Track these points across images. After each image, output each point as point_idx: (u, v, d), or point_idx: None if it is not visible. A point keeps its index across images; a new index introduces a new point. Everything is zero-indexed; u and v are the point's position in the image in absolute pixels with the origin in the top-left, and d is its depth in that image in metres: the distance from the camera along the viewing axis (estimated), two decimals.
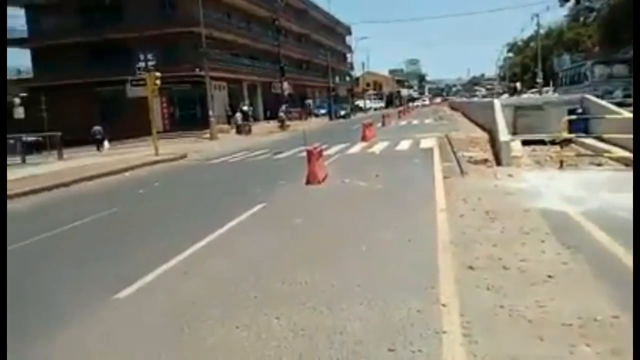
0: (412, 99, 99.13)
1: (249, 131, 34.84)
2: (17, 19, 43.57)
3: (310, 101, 60.62)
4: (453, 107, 50.16)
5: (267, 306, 4.38)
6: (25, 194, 12.01)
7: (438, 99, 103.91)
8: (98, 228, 8.48)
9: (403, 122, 35.07)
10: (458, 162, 11.57)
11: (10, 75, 39.82)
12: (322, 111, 57.40)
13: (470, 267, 4.86)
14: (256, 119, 44.23)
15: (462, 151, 12.65)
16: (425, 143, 17.54)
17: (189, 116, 39.10)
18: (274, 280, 5.04)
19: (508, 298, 4.10)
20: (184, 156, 20.26)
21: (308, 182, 10.80)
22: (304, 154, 17.84)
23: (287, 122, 38.09)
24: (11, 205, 11.08)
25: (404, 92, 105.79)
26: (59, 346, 4.05)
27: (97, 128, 26.50)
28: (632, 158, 9.64)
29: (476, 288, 4.37)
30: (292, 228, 7.23)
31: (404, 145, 17.82)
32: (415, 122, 34.45)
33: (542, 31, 59.06)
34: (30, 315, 4.72)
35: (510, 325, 3.69)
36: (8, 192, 11.43)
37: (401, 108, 53.50)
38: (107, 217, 9.22)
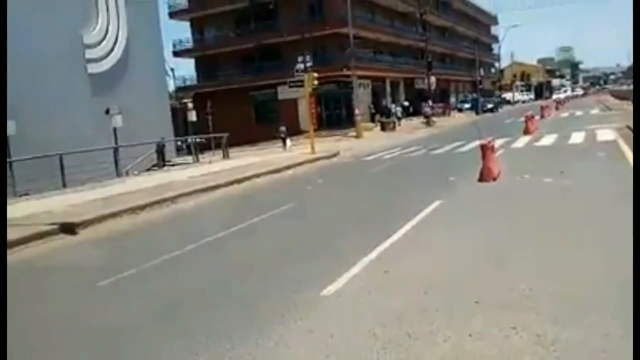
0: (551, 90, 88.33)
1: (394, 128, 34.56)
2: (183, 32, 48.02)
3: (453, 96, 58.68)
4: (619, 97, 45.12)
5: (494, 313, 3.99)
6: (211, 188, 12.97)
7: (596, 88, 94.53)
8: (285, 222, 8.73)
9: (564, 114, 32.23)
10: None
11: (178, 83, 44.18)
12: (467, 106, 55.06)
13: None
14: (399, 116, 43.80)
15: None
16: (603, 135, 15.77)
17: (334, 115, 39.96)
18: (488, 283, 4.64)
19: None
20: (337, 154, 20.55)
21: (481, 178, 10.16)
22: (462, 149, 17.42)
23: (433, 119, 37.12)
24: (204, 199, 11.98)
25: (555, 82, 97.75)
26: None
27: (282, 129, 28.50)
28: None
29: None
30: (483, 226, 6.74)
31: (577, 137, 16.20)
32: (578, 113, 31.46)
33: None
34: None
35: None
36: (196, 188, 12.40)
37: (556, 99, 49.35)
38: (288, 211, 9.50)
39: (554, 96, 71.06)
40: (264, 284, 5.39)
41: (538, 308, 3.99)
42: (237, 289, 5.37)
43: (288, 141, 27.69)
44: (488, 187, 9.56)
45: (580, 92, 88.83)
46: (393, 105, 42.63)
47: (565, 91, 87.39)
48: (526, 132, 19.19)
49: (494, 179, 10.02)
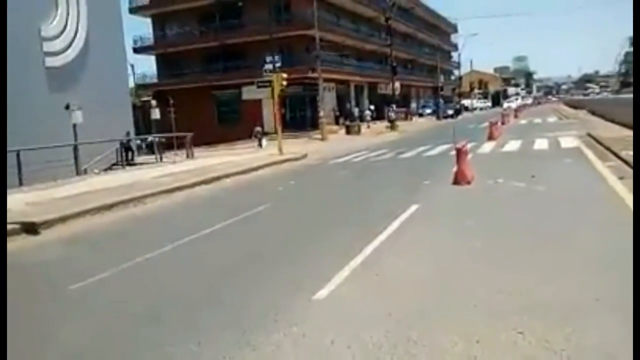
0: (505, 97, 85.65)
1: (359, 132, 34.70)
2: (144, 28, 46.85)
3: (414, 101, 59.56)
4: (573, 106, 47.00)
5: (496, 317, 3.92)
6: (178, 188, 12.55)
7: (552, 97, 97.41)
8: (261, 224, 8.49)
9: (523, 121, 33.18)
10: (625, 162, 10.39)
11: (137, 79, 42.99)
12: (428, 111, 56.08)
13: None
14: (362, 120, 44.01)
15: (625, 150, 11.39)
16: (566, 142, 16.23)
17: (298, 117, 39.78)
18: (483, 287, 4.58)
19: None
20: (305, 156, 20.39)
21: (456, 181, 10.23)
22: (430, 153, 17.64)
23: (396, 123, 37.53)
24: (171, 200, 11.57)
25: (511, 90, 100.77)
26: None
27: (258, 129, 28.97)
28: None
29: None
30: (465, 230, 6.72)
31: (542, 144, 16.62)
32: (537, 120, 32.47)
33: None
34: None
35: None
36: (162, 188, 11.98)
37: (515, 106, 50.54)
38: (263, 212, 9.26)
39: (505, 104, 67.70)
40: (250, 287, 5.15)
41: (541, 311, 3.94)
42: (221, 293, 5.12)
43: (264, 141, 27.87)
44: (464, 191, 9.61)
45: (529, 101, 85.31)
46: (357, 109, 42.89)
47: (515, 99, 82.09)
48: (490, 137, 19.57)
49: (468, 183, 10.09)
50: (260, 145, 28.02)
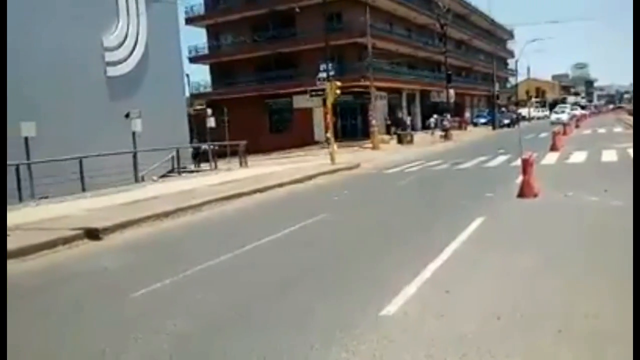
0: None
1: (411, 141, 34.14)
2: (199, 38, 48.02)
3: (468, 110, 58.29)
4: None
5: (582, 344, 3.57)
6: (234, 196, 12.60)
7: (612, 106, 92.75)
8: (320, 234, 8.32)
9: (587, 131, 31.77)
10: None
11: (192, 89, 44.04)
12: (482, 120, 54.66)
13: None
14: (414, 129, 43.40)
15: None
16: None
17: (349, 126, 39.64)
18: (567, 310, 4.21)
19: None
20: (357, 165, 20.15)
21: (521, 194, 9.74)
22: (489, 164, 16.99)
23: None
24: (228, 208, 11.60)
25: (570, 99, 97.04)
26: None
27: (328, 135, 28.32)
28: None
29: None
30: (541, 246, 6.29)
31: (610, 155, 15.74)
32: (601, 130, 30.99)
33: None
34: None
35: None
36: (219, 196, 12.04)
37: (578, 116, 47.95)
38: (321, 222, 9.09)
39: (553, 116, 50.57)
40: (314, 300, 4.96)
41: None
42: (286, 304, 4.97)
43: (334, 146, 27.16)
44: (531, 204, 9.12)
45: (585, 111, 68.73)
46: (409, 117, 42.29)
47: (572, 108, 60.77)
48: (554, 148, 18.73)
49: (535, 196, 9.58)
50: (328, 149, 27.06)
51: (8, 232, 8.39)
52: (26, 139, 14.55)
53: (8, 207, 11.56)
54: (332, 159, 20.19)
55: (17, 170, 13.20)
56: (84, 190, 14.34)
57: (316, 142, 36.14)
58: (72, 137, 17.10)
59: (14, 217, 10.21)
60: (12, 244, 7.65)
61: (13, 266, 7.02)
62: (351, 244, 7.35)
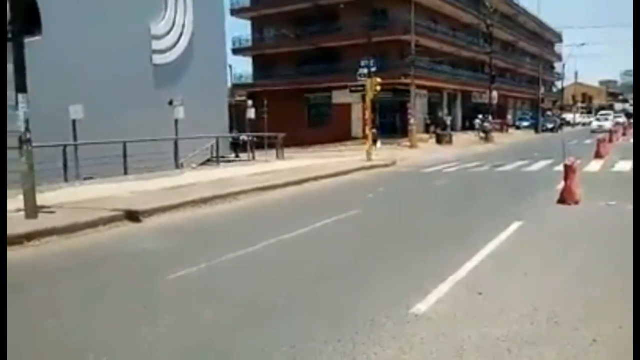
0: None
1: (450, 141, 33.68)
2: (242, 29, 48.50)
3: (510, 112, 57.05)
4: None
5: (615, 356, 3.49)
6: (270, 187, 12.76)
7: None
8: (353, 229, 8.35)
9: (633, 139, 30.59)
10: None
11: (234, 80, 44.59)
12: (525, 123, 53.40)
13: None
14: (453, 129, 42.78)
15: None
16: None
17: (388, 123, 39.33)
18: (604, 321, 4.12)
19: None
20: (394, 163, 20.05)
21: (562, 200, 9.52)
22: (529, 168, 16.64)
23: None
24: (263, 198, 11.77)
25: (618, 105, 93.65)
26: None
27: (374, 131, 28.40)
28: None
29: None
30: (580, 253, 6.16)
31: None
32: None
33: None
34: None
35: None
36: (257, 185, 12.21)
37: (624, 124, 45.96)
38: (354, 217, 9.12)
39: (594, 124, 46.08)
40: (347, 293, 5.01)
41: None
42: (317, 296, 5.02)
43: (378, 143, 26.96)
44: (571, 211, 8.91)
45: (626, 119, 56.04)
46: (449, 117, 41.64)
47: (606, 118, 49.14)
48: (598, 155, 18.18)
49: (576, 202, 9.36)
50: (374, 146, 25.77)
51: (53, 209, 8.76)
52: (74, 121, 15.05)
53: (54, 185, 12.05)
54: (369, 155, 20.13)
55: (64, 150, 13.67)
56: (125, 173, 14.75)
57: (354, 138, 36.06)
58: (118, 121, 17.57)
59: (59, 195, 10.64)
60: (58, 221, 7.99)
61: (56, 244, 7.37)
62: (383, 241, 7.35)
